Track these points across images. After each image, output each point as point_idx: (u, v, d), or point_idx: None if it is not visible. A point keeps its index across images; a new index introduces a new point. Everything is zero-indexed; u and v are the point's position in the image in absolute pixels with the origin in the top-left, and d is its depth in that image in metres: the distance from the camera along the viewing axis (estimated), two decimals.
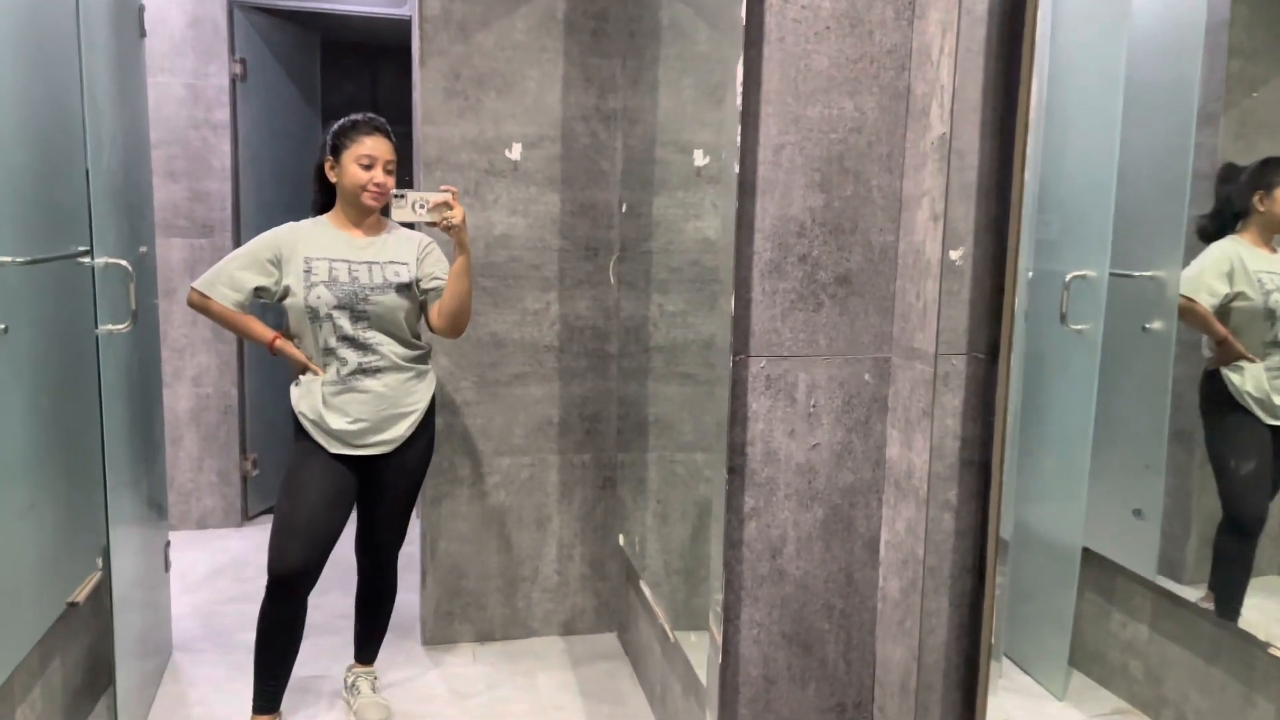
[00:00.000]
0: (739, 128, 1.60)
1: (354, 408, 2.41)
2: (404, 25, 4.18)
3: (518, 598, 3.18)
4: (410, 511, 2.62)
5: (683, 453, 2.96)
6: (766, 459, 1.70)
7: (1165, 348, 1.95)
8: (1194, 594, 1.94)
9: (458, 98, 2.92)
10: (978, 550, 1.66)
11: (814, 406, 1.67)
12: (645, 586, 2.83)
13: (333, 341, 2.40)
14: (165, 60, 3.89)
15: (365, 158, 2.39)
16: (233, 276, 2.42)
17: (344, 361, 2.40)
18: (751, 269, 1.63)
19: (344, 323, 2.38)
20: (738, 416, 1.65)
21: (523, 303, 3.05)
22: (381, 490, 2.52)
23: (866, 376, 1.68)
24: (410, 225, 2.52)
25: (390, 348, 2.42)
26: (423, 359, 2.51)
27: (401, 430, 2.46)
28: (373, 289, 2.39)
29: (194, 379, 4.09)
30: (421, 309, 2.50)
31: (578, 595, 3.23)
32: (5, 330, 2.00)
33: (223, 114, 3.98)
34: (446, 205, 2.31)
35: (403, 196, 2.33)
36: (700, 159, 2.73)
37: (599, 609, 3.25)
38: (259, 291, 2.42)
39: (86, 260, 2.28)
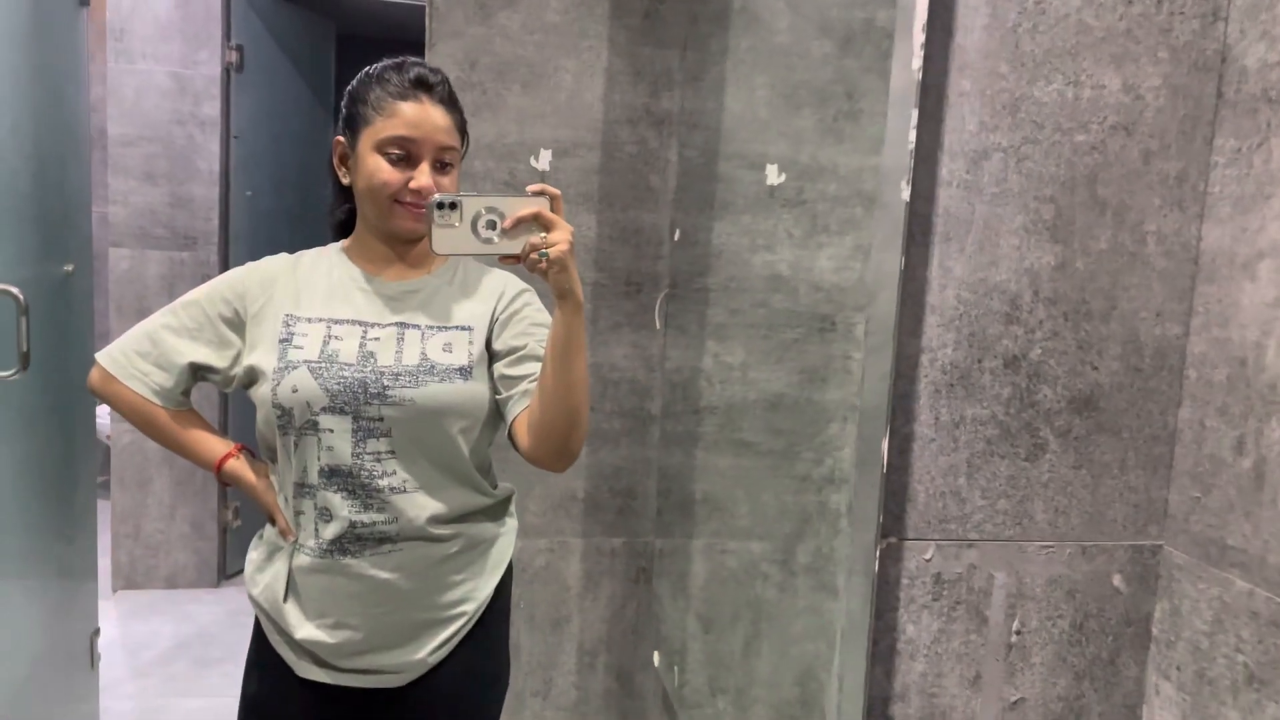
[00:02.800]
0: (912, 114, 0.95)
1: (336, 605, 1.39)
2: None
3: (525, 716, 2.57)
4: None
5: (736, 540, 2.44)
6: None
7: None
8: None
9: (473, 89, 2.34)
10: None
11: (1019, 632, 1.00)
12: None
13: (313, 476, 1.36)
14: (146, 45, 3.36)
15: (400, 143, 1.37)
16: (160, 345, 1.43)
17: (325, 516, 1.37)
18: (917, 379, 0.98)
19: (340, 439, 1.34)
20: (880, 648, 1.00)
21: None
22: None
23: (1117, 580, 1.00)
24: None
25: (422, 498, 1.37)
26: (490, 515, 1.48)
27: (423, 653, 1.41)
28: (400, 375, 1.35)
29: None
30: (498, 414, 1.45)
31: (600, 716, 2.61)
32: None
33: (213, 108, 3.44)
34: (537, 221, 1.25)
35: (453, 208, 1.25)
36: (775, 176, 2.22)
37: None
38: (202, 373, 1.44)
39: None
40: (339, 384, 1.33)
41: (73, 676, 2.29)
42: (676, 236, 2.54)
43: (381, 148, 1.36)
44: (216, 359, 1.41)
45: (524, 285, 1.49)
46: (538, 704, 2.57)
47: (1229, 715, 0.97)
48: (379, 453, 1.33)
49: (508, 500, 1.53)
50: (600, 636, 2.59)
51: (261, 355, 1.37)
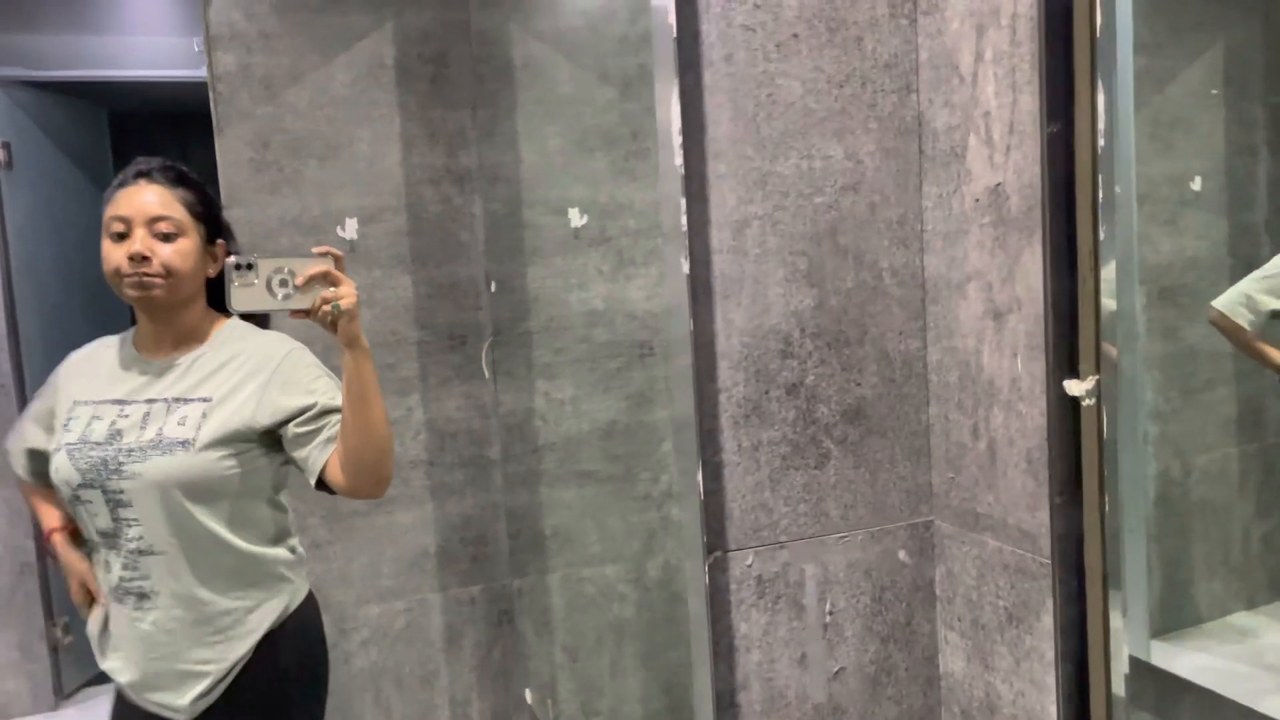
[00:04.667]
0: (681, 200, 1.10)
1: (123, 645, 1.52)
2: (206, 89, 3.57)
3: None
4: None
5: (590, 567, 2.53)
6: (770, 707, 1.15)
7: None
8: None
9: (270, 169, 2.35)
10: None
11: (831, 612, 1.15)
12: None
13: (94, 535, 1.52)
14: None
15: (117, 222, 1.47)
16: (19, 429, 1.64)
17: (106, 568, 1.52)
18: (718, 415, 1.12)
19: (99, 509, 1.47)
20: (720, 647, 1.13)
21: None
22: None
23: (902, 555, 1.18)
24: (261, 319, 1.66)
25: (167, 562, 1.47)
26: (252, 582, 1.53)
27: (186, 699, 1.50)
28: (134, 450, 1.45)
29: None
30: (272, 477, 1.56)
31: None
32: None
33: None
34: (325, 279, 1.38)
35: (249, 268, 1.38)
36: (577, 218, 2.35)
37: None
38: (36, 459, 1.60)
39: None
40: (87, 463, 1.46)
41: None
42: (493, 287, 2.62)
43: (107, 230, 1.48)
44: (44, 442, 1.57)
45: (292, 345, 1.57)
46: None
47: (1000, 650, 1.15)
48: (129, 519, 1.46)
49: (283, 565, 1.57)
50: (470, 685, 2.63)
51: (50, 439, 1.55)
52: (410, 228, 2.52)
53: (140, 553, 1.46)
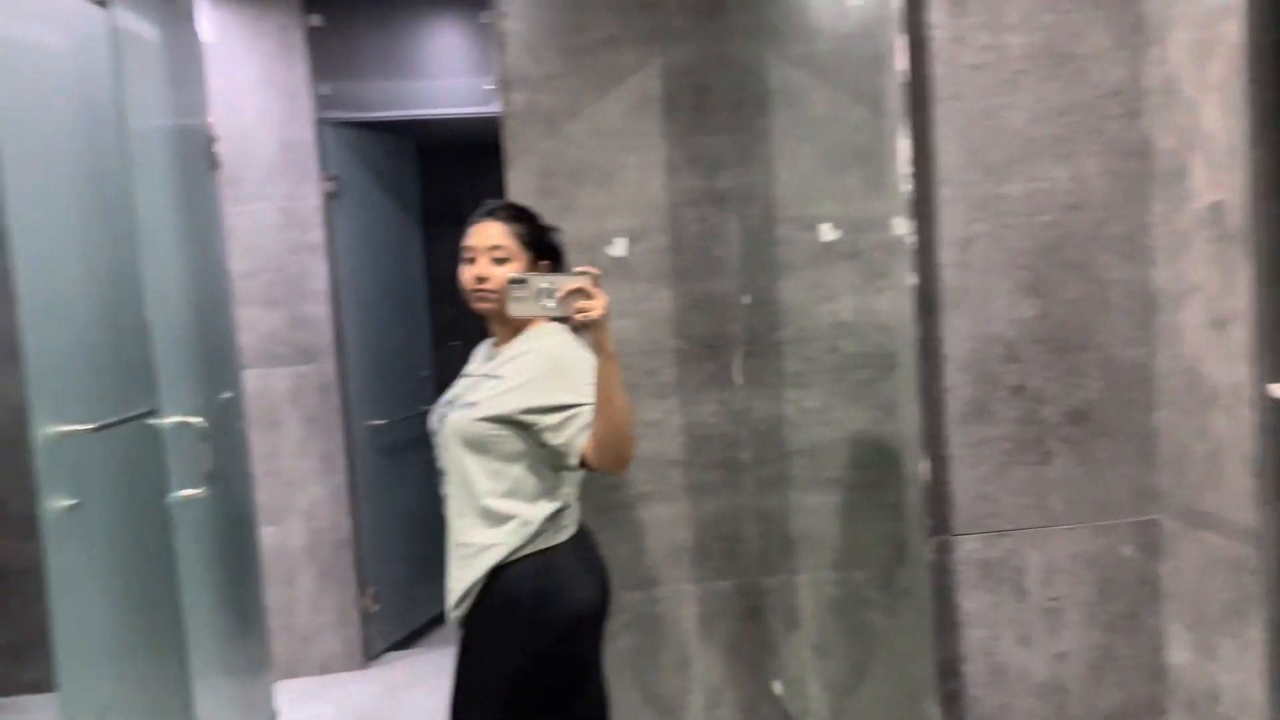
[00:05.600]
0: (911, 221, 1.21)
1: None
2: (498, 121, 3.99)
3: None
4: (463, 713, 1.93)
5: (838, 571, 2.59)
6: (993, 680, 1.24)
7: None
8: None
9: (552, 196, 2.64)
10: None
11: (1054, 599, 1.22)
12: None
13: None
14: (257, 187, 3.78)
15: (467, 250, 1.94)
16: None
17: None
18: (943, 413, 1.22)
19: (438, 449, 1.98)
20: (945, 623, 1.23)
21: (640, 414, 2.70)
22: None
23: (1127, 550, 1.22)
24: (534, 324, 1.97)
25: (453, 491, 1.94)
26: (486, 521, 1.88)
27: (451, 603, 1.95)
28: (449, 404, 1.96)
29: (306, 513, 3.88)
30: (539, 454, 1.88)
31: None
32: (77, 505, 1.77)
33: (317, 234, 3.84)
34: (581, 293, 1.70)
35: (522, 283, 1.75)
36: (828, 233, 2.43)
37: None
38: None
39: (155, 421, 2.05)
40: (436, 415, 1.98)
41: None
42: (746, 299, 2.77)
43: (462, 256, 1.95)
44: None
45: (570, 348, 1.92)
46: None
47: (1223, 642, 1.15)
48: (442, 458, 1.97)
49: (511, 519, 1.87)
50: (723, 673, 2.79)
51: None
52: (672, 245, 2.72)
53: (442, 482, 1.96)
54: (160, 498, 2.07)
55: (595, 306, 1.68)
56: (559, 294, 1.71)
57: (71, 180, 1.83)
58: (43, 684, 3.82)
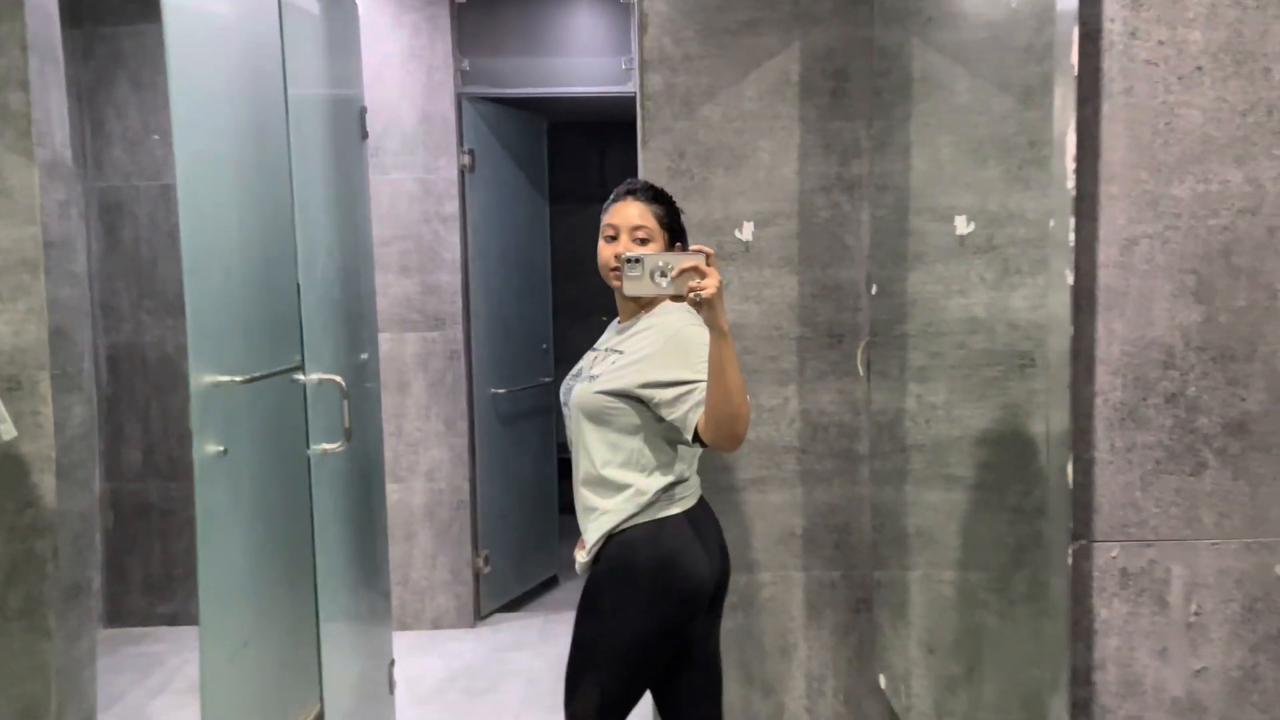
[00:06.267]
0: (1070, 219, 1.19)
1: None
2: (629, 100, 4.03)
3: None
4: (577, 673, 1.98)
5: (952, 571, 2.55)
6: (1125, 691, 1.21)
7: None
8: None
9: (683, 177, 2.66)
10: None
11: (1197, 614, 1.19)
12: None
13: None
14: (398, 158, 3.92)
15: (609, 228, 2.00)
16: None
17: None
18: (1093, 416, 1.20)
19: (566, 419, 2.06)
20: (1080, 628, 1.21)
21: (758, 398, 2.71)
22: None
23: (1279, 569, 1.18)
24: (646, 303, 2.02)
25: (577, 459, 2.01)
26: (603, 489, 1.96)
27: (582, 557, 2.03)
28: (575, 376, 2.04)
29: (428, 473, 4.03)
30: (656, 428, 1.93)
31: None
32: (225, 452, 1.89)
33: (452, 206, 3.95)
34: (696, 272, 1.70)
35: (637, 262, 1.77)
36: (963, 226, 2.37)
37: None
38: None
39: (300, 377, 2.17)
40: (565, 386, 2.05)
41: (379, 700, 2.71)
42: (874, 290, 2.73)
43: (602, 234, 2.01)
44: None
45: (688, 322, 1.94)
46: None
47: None
48: (570, 426, 2.02)
49: (626, 489, 1.93)
50: (826, 662, 2.78)
51: None
52: (800, 231, 2.71)
53: (568, 449, 2.02)
54: (301, 449, 2.18)
55: (709, 285, 1.69)
56: (673, 272, 1.73)
57: (235, 144, 1.93)
58: (179, 617, 4.11)
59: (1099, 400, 1.23)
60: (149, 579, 4.15)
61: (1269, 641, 1.25)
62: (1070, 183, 1.19)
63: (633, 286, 1.78)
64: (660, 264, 1.74)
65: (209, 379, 1.81)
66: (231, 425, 1.91)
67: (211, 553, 1.81)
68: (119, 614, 4.14)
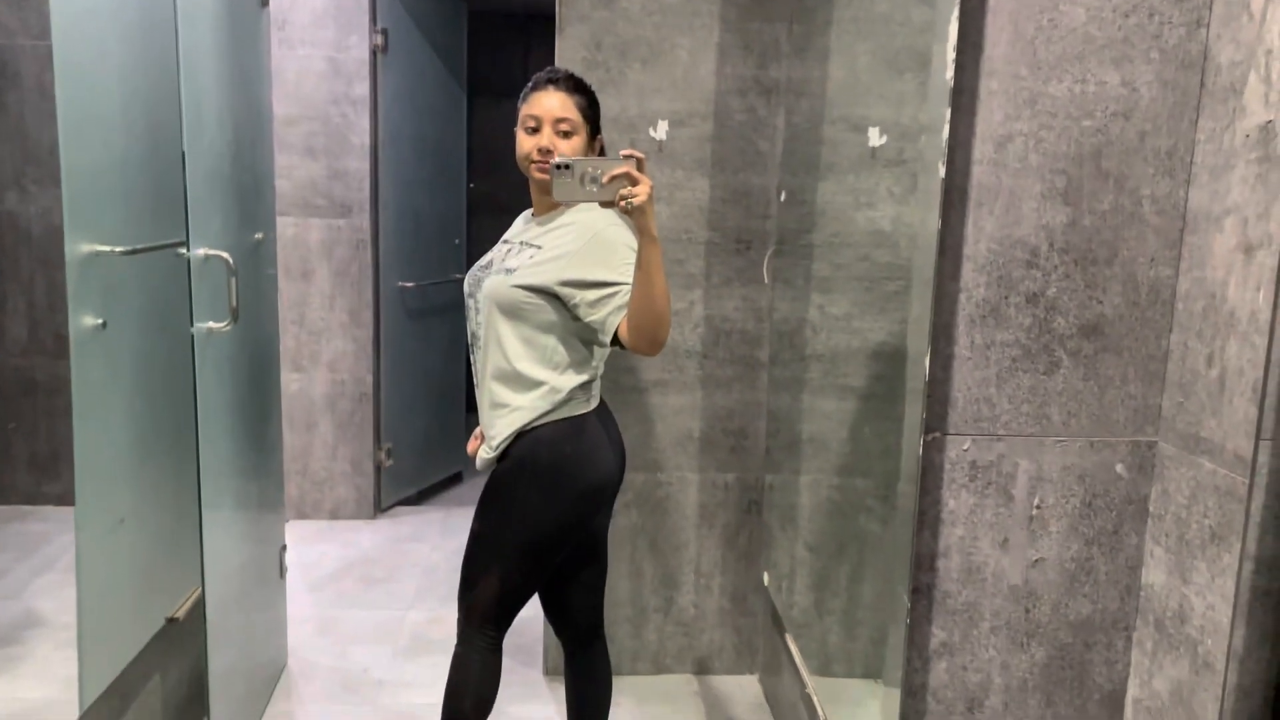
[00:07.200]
0: (946, 110, 1.18)
1: None
2: None
3: (648, 630, 2.87)
4: (475, 564, 1.99)
5: (840, 477, 2.63)
6: (966, 577, 1.26)
7: None
8: None
9: (598, 69, 2.59)
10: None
11: (1039, 507, 1.23)
12: (791, 641, 2.46)
13: (470, 333, 2.01)
14: (306, 32, 3.73)
15: (530, 119, 1.90)
16: None
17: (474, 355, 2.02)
18: (956, 312, 1.21)
19: (471, 311, 1.98)
20: (927, 517, 1.24)
21: None
22: None
23: (1119, 468, 1.23)
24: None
25: (482, 354, 1.95)
26: (516, 385, 1.91)
27: (485, 452, 1.99)
28: (485, 268, 1.95)
29: (330, 364, 3.96)
30: (572, 326, 1.89)
31: (715, 631, 2.89)
32: (104, 325, 1.81)
33: (363, 88, 3.80)
34: (627, 178, 1.64)
35: (566, 168, 1.68)
36: (876, 138, 2.37)
37: (739, 648, 2.90)
38: None
39: (184, 251, 2.08)
40: (471, 279, 1.97)
41: (267, 585, 2.70)
42: (783, 197, 2.73)
43: (522, 125, 1.91)
44: None
45: (611, 222, 1.88)
46: (659, 619, 2.86)
47: (1199, 566, 1.17)
48: (477, 320, 1.95)
49: (540, 386, 1.90)
50: (716, 561, 2.86)
51: None
52: (715, 133, 2.68)
53: (475, 342, 1.96)
54: (184, 327, 2.11)
55: (640, 192, 1.63)
56: (604, 179, 1.66)
57: (116, 12, 1.82)
58: (66, 497, 4.00)
59: (963, 297, 1.25)
60: (35, 457, 4.03)
61: (1104, 536, 1.31)
62: (949, 73, 1.18)
63: (562, 192, 1.70)
64: (591, 169, 1.68)
65: (87, 247, 1.73)
66: (111, 298, 1.83)
67: (88, 427, 1.75)
68: (3, 492, 4.02)
